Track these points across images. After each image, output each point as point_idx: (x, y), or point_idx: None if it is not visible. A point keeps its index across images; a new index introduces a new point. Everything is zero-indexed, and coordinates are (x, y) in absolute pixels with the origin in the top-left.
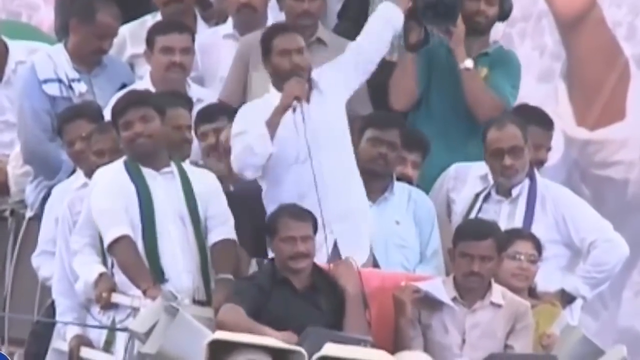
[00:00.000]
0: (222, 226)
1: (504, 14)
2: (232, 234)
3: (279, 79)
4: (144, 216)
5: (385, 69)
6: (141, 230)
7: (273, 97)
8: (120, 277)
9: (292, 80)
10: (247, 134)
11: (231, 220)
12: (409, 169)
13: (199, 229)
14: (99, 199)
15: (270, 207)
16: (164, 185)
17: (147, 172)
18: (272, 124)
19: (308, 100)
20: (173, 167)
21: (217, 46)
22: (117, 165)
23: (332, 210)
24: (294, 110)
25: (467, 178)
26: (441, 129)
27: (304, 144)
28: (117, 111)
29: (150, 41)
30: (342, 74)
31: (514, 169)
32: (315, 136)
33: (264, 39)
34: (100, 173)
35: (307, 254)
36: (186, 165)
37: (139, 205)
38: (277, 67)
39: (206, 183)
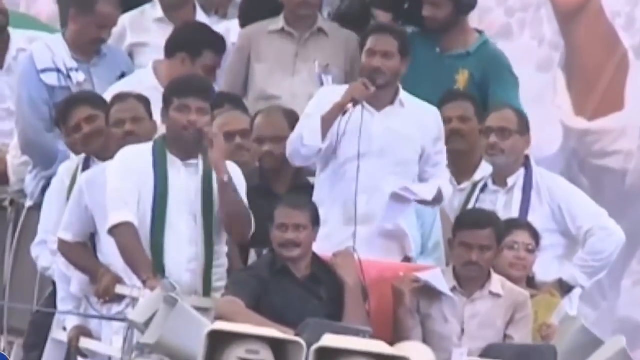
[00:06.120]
0: None
1: (463, 8)
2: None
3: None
4: (155, 208)
5: None
6: (150, 221)
7: None
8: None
9: (359, 81)
10: (308, 120)
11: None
12: None
13: (210, 229)
14: (113, 176)
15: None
16: (184, 178)
17: (172, 161)
18: (327, 120)
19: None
20: (200, 159)
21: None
22: (145, 147)
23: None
24: (344, 113)
25: None
26: None
27: (347, 146)
28: (174, 91)
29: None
30: (424, 132)
31: (497, 148)
32: (369, 142)
33: (362, 37)
34: (125, 152)
35: (298, 243)
36: None
37: (154, 195)
38: (362, 66)
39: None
